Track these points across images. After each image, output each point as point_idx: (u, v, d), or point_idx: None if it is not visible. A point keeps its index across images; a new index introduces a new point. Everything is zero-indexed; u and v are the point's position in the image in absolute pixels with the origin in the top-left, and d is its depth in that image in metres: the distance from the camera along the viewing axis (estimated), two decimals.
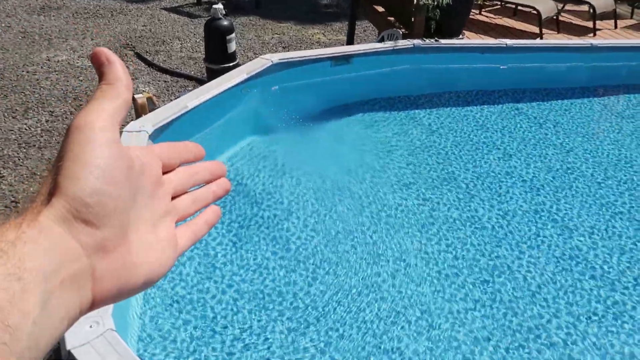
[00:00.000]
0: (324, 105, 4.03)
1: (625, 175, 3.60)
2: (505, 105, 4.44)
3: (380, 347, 2.28)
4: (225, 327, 2.34)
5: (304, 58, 3.81)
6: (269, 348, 2.26)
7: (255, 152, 3.53)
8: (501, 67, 4.51)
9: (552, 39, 4.96)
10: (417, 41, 4.23)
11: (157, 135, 2.73)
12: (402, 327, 2.36)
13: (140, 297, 2.39)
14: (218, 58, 4.48)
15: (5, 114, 4.29)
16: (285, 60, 3.71)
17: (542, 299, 2.55)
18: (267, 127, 3.64)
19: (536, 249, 2.87)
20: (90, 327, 1.60)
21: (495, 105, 4.42)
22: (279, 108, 3.65)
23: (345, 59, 4.01)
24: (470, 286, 2.59)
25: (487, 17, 5.72)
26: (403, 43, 4.20)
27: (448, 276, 2.66)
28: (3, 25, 6.21)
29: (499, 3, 5.81)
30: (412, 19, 4.40)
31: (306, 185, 3.25)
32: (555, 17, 5.27)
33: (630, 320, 2.47)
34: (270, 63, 3.60)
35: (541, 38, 4.97)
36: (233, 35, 4.51)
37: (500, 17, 5.72)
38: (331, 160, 3.56)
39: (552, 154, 3.81)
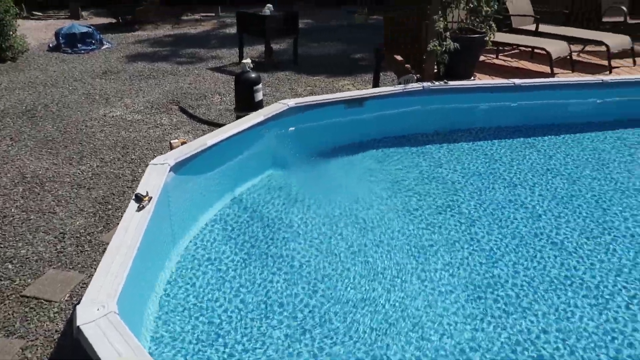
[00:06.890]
0: (336, 143, 4.37)
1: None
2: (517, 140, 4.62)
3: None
4: (229, 332, 2.61)
5: (318, 102, 4.20)
6: (265, 352, 2.50)
7: (273, 184, 3.89)
8: (512, 105, 4.73)
9: (565, 78, 5.12)
10: (426, 84, 4.54)
11: (179, 168, 3.14)
12: None
13: (156, 302, 2.71)
14: (246, 106, 4.98)
15: (64, 162, 4.91)
16: (301, 104, 4.11)
17: None
18: (282, 163, 4.00)
19: None
20: (98, 309, 1.93)
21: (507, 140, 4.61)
22: (295, 146, 4.02)
23: (358, 101, 4.37)
24: None
25: (504, 60, 5.97)
26: (413, 85, 4.52)
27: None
28: (70, 88, 7.10)
29: (515, 47, 6.06)
30: (423, 64, 4.75)
31: (316, 212, 3.55)
32: (569, 57, 5.45)
33: None
34: (287, 107, 4.01)
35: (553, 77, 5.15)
36: (259, 86, 5.02)
37: (516, 60, 5.96)
38: (342, 190, 3.85)
39: (559, 183, 3.93)
